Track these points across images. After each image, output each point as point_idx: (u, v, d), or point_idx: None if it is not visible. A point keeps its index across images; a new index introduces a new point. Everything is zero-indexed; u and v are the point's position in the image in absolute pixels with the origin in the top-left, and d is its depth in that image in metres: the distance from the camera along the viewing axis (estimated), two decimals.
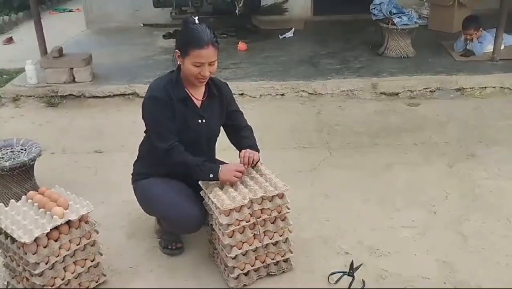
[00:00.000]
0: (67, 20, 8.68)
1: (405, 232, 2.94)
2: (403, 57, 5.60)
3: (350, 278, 2.55)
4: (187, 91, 2.63)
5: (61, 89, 5.06)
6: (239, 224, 2.39)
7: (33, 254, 2.24)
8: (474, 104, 4.71)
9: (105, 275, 2.59)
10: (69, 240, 2.35)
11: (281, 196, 2.47)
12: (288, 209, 2.53)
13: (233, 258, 2.45)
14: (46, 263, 2.28)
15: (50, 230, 2.26)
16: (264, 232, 2.48)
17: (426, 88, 4.95)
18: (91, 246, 2.47)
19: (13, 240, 2.30)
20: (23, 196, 2.55)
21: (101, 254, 2.54)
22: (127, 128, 4.42)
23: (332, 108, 4.74)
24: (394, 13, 5.57)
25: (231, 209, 2.36)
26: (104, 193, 3.44)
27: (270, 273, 2.58)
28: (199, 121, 2.64)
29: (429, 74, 5.09)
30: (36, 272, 2.26)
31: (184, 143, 2.56)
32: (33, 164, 3.34)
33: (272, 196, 2.45)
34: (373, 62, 5.54)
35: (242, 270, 2.49)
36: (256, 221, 2.43)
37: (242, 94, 4.99)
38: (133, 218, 3.16)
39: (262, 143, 3.93)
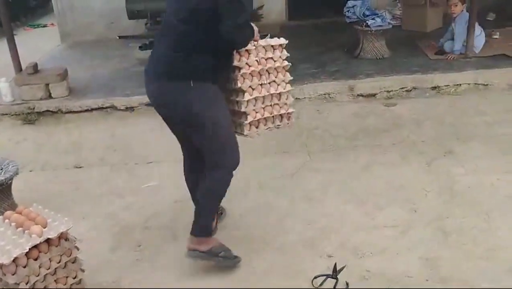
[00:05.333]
0: (41, 36, 8.62)
1: (387, 232, 2.96)
2: (379, 58, 5.67)
3: (334, 281, 2.56)
4: None
5: (38, 105, 5.01)
6: (248, 68, 2.67)
7: (12, 274, 2.21)
8: (450, 102, 4.78)
9: None
10: (49, 259, 2.32)
11: (281, 49, 2.84)
12: (287, 62, 2.86)
13: (245, 105, 2.70)
14: (27, 283, 2.24)
15: (29, 249, 2.23)
16: (269, 82, 2.80)
17: (402, 88, 5.01)
18: (72, 263, 2.44)
19: None
20: (0, 217, 2.51)
21: (83, 271, 2.51)
22: (106, 142, 4.41)
23: (310, 112, 4.77)
24: (368, 15, 5.64)
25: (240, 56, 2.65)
26: (86, 208, 3.41)
27: (277, 127, 2.92)
28: None
29: (405, 74, 5.15)
30: None
31: None
32: (11, 183, 3.29)
33: (273, 46, 2.80)
34: (349, 64, 5.60)
35: (254, 118, 2.77)
36: (263, 68, 2.75)
37: None
38: (116, 231, 3.15)
39: (243, 150, 3.96)
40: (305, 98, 5.01)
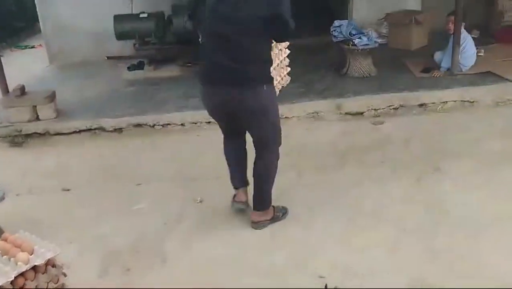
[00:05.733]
0: (29, 57, 8.59)
1: (376, 251, 2.96)
2: (366, 76, 5.72)
3: None
4: None
5: (25, 128, 4.98)
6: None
7: None
8: (437, 119, 4.83)
9: None
10: (36, 286, 2.29)
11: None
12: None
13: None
14: None
15: (15, 277, 2.20)
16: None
17: (390, 106, 5.06)
18: None
19: None
20: None
21: None
22: (94, 164, 4.38)
23: (299, 131, 4.79)
24: (354, 34, 5.70)
25: None
26: (73, 232, 3.37)
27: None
28: None
29: (392, 92, 5.20)
30: None
31: None
32: None
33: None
34: (336, 83, 5.64)
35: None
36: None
37: (209, 122, 4.99)
38: (104, 255, 3.11)
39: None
40: (293, 117, 5.04)
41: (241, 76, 2.85)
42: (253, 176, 3.22)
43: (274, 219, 3.28)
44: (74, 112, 5.29)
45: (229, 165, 3.39)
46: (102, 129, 4.97)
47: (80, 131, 4.97)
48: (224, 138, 3.36)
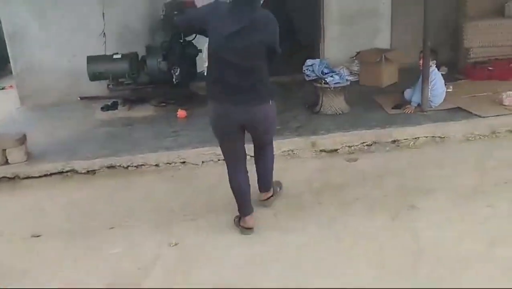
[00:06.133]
0: (0, 99, 8.46)
1: None
2: (339, 113, 5.80)
3: None
4: None
5: None
6: None
7: None
8: (410, 155, 4.89)
9: None
10: None
11: None
12: None
13: None
14: None
15: None
16: None
17: (363, 142, 5.11)
18: None
19: None
20: None
21: None
22: (66, 208, 4.28)
23: (275, 170, 4.73)
24: (326, 73, 5.80)
25: None
26: (44, 279, 3.26)
27: None
28: None
29: (365, 129, 5.27)
30: None
31: None
32: None
33: None
34: (310, 120, 5.70)
35: None
36: None
37: (184, 162, 4.97)
38: None
39: (208, 211, 3.94)
40: None
41: (256, 95, 3.47)
42: (260, 167, 3.95)
43: (275, 194, 4.13)
44: (46, 154, 5.19)
45: (240, 195, 3.75)
46: (74, 171, 4.88)
47: (51, 174, 4.86)
48: (231, 171, 3.73)
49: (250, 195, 3.78)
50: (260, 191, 4.05)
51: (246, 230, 3.71)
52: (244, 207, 3.74)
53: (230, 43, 3.28)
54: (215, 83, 3.48)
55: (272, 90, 3.58)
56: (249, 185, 3.77)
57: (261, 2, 3.39)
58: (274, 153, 4.02)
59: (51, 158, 5.07)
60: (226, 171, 3.70)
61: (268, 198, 4.09)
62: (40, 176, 4.85)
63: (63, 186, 4.74)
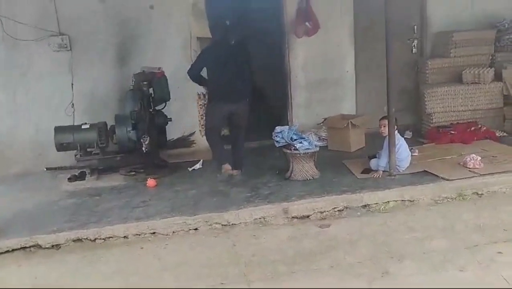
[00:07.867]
0: None
1: None
2: (309, 179, 5.83)
3: None
4: None
5: None
6: None
7: None
8: (381, 220, 4.90)
9: None
10: None
11: None
12: None
13: None
14: None
15: None
16: None
17: (334, 208, 5.11)
18: None
19: None
20: None
21: None
22: (28, 286, 4.06)
23: (246, 238, 4.71)
24: (295, 139, 5.88)
25: None
26: None
27: None
28: None
29: (335, 194, 5.29)
30: None
31: None
32: None
33: None
34: (281, 187, 5.70)
35: None
36: None
37: (154, 233, 4.85)
38: None
39: (178, 284, 3.79)
40: (240, 223, 4.97)
41: (245, 94, 5.96)
42: (235, 148, 6.27)
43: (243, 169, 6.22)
44: (8, 228, 4.97)
45: (217, 146, 6.16)
46: (38, 246, 4.67)
47: (13, 250, 4.64)
48: (212, 130, 6.12)
49: (225, 150, 6.15)
50: (232, 169, 6.04)
51: (229, 172, 6.02)
52: (225, 156, 6.11)
53: (230, 61, 5.81)
54: (218, 89, 5.90)
55: (251, 92, 6.05)
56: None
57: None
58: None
59: (13, 232, 4.85)
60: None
61: (239, 173, 6.08)
62: (1, 253, 4.62)
63: (25, 262, 4.50)
